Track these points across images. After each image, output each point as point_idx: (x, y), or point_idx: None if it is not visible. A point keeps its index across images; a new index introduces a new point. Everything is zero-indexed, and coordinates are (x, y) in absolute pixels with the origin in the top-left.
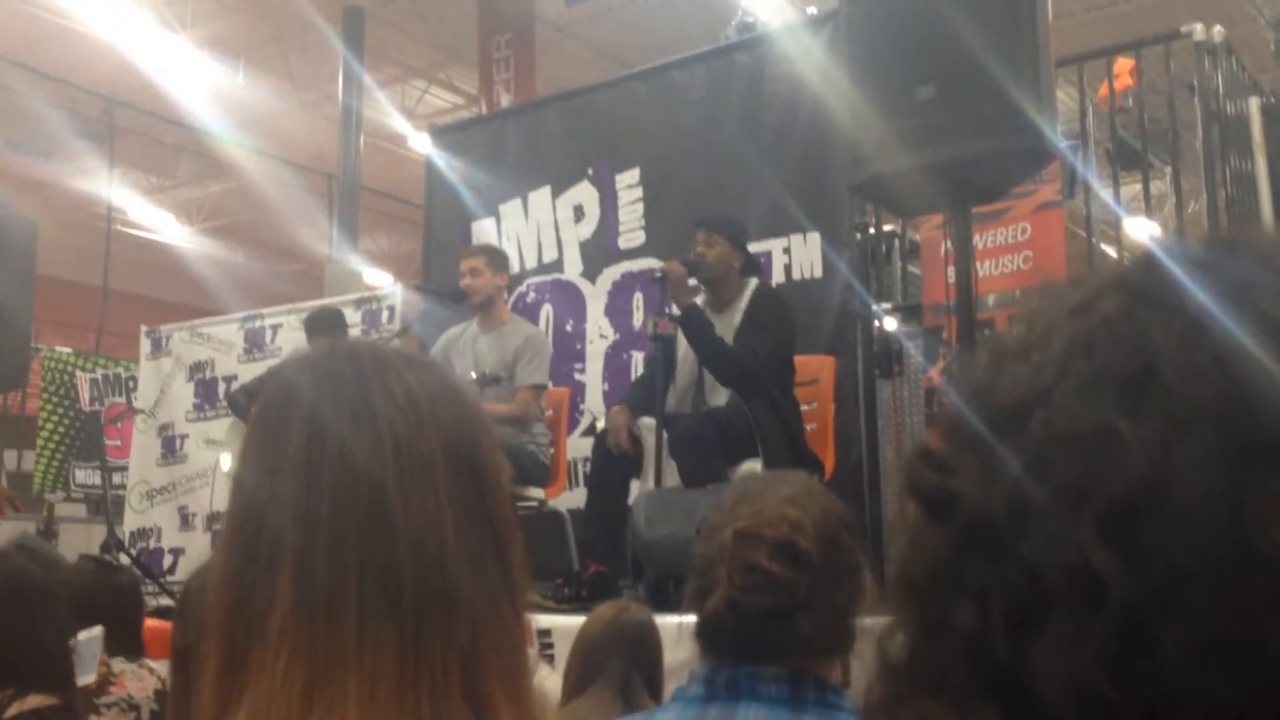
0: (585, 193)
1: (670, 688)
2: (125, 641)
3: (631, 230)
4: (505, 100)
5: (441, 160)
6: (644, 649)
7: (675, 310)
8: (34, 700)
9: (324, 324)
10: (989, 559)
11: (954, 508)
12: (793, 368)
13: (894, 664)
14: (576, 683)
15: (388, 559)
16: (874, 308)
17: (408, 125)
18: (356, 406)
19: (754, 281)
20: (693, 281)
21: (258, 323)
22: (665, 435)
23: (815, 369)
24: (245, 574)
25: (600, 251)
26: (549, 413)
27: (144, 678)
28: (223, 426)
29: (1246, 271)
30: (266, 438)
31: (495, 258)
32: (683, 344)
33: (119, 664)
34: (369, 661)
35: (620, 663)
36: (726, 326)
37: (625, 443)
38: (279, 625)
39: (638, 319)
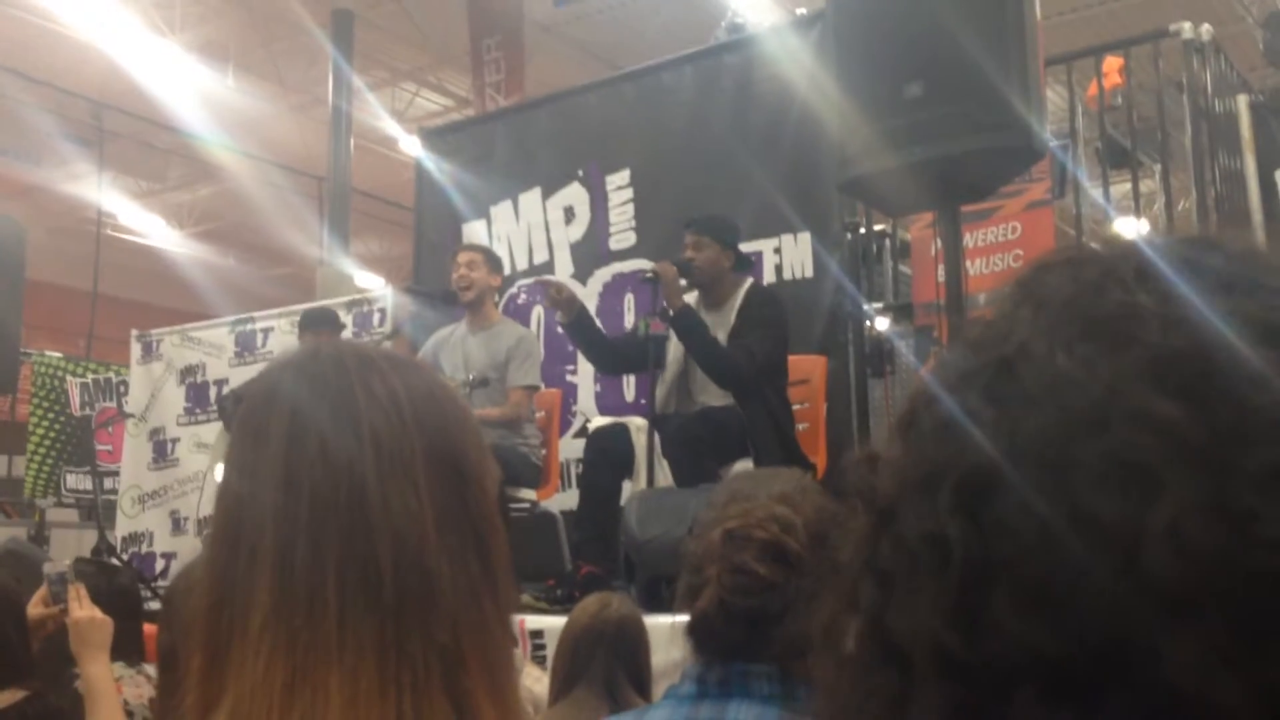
0: (576, 194)
1: (665, 687)
2: (127, 646)
3: (622, 231)
4: (496, 102)
5: (432, 162)
6: (627, 645)
7: (668, 310)
8: (5, 697)
9: (317, 320)
10: (889, 541)
11: (873, 498)
12: (786, 368)
13: (843, 656)
14: (561, 684)
15: (367, 556)
16: (865, 307)
17: (398, 128)
18: (337, 406)
19: (748, 280)
20: (684, 281)
21: (249, 326)
22: (657, 436)
23: (807, 369)
24: (227, 572)
25: (591, 253)
26: (540, 414)
27: (141, 684)
28: (214, 430)
29: (1111, 268)
30: (248, 437)
31: (491, 258)
32: (671, 343)
33: (119, 669)
34: (350, 657)
35: (604, 661)
36: (720, 325)
37: (568, 296)
38: (260, 622)
39: (629, 320)
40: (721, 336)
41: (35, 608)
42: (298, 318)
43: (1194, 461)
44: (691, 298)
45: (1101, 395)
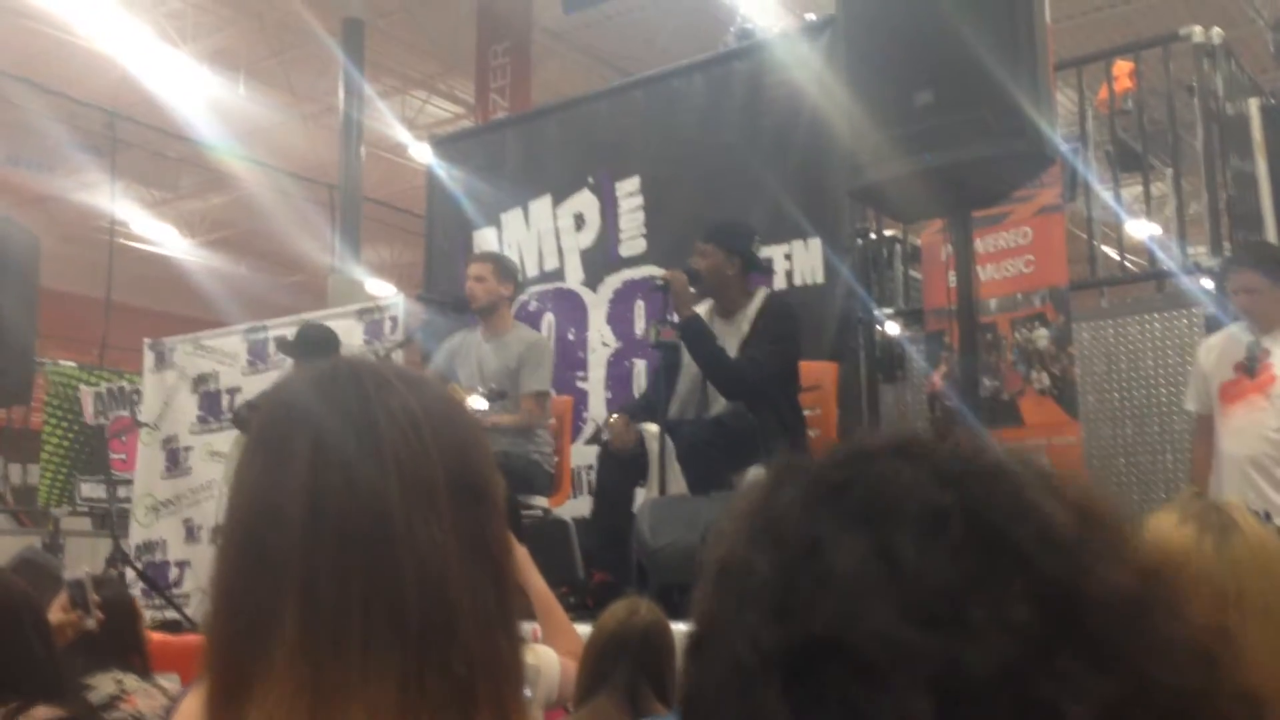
0: (585, 201)
1: None
2: (130, 658)
3: (632, 238)
4: (500, 109)
5: (442, 170)
6: (651, 653)
7: (677, 318)
8: (40, 713)
9: (312, 349)
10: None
11: None
12: (798, 378)
13: None
14: (585, 690)
15: (392, 588)
16: (876, 313)
17: (408, 135)
18: (361, 431)
19: (763, 290)
20: (694, 290)
21: (261, 334)
22: (669, 442)
23: (818, 374)
24: (248, 599)
25: (601, 259)
26: (552, 421)
27: (154, 695)
28: (227, 439)
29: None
30: (268, 455)
31: (503, 266)
32: (687, 351)
33: (132, 681)
34: (373, 690)
35: (627, 668)
36: (734, 334)
37: (630, 440)
38: (286, 655)
39: (639, 326)
40: (734, 344)
41: (55, 614)
42: (296, 331)
43: (762, 578)
44: (706, 306)
45: (732, 541)
